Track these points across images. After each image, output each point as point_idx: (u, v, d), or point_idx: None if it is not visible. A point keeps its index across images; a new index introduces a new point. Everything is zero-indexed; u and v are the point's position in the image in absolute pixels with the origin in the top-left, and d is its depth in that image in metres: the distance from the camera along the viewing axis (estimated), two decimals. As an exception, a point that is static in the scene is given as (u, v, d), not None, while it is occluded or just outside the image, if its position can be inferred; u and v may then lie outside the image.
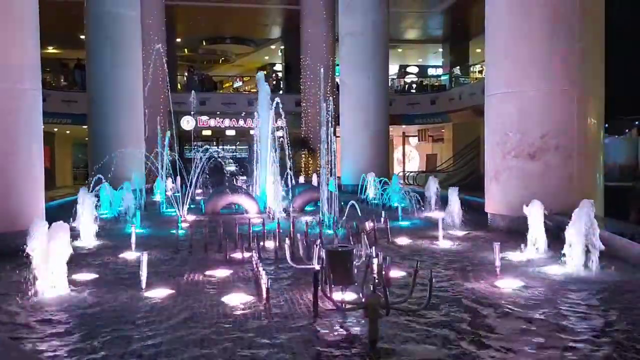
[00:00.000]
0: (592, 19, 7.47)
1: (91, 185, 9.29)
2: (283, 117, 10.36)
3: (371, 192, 12.55)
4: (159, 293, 4.40)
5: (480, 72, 25.17)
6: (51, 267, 4.35)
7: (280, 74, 30.59)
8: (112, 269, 5.42)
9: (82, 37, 15.33)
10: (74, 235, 6.98)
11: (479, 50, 25.72)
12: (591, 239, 5.00)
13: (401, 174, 27.36)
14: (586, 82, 7.42)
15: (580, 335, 3.35)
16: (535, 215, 6.00)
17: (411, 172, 28.01)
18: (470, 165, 23.72)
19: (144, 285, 4.54)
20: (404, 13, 25.20)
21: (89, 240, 6.99)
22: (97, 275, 5.09)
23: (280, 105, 10.04)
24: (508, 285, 4.55)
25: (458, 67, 28.94)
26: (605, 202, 7.82)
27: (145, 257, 4.64)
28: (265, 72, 29.33)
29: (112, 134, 13.58)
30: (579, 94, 7.34)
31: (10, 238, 6.09)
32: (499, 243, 5.01)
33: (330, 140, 8.47)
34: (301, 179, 17.45)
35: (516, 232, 6.68)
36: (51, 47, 27.23)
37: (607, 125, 11.36)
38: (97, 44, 13.82)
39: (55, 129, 24.71)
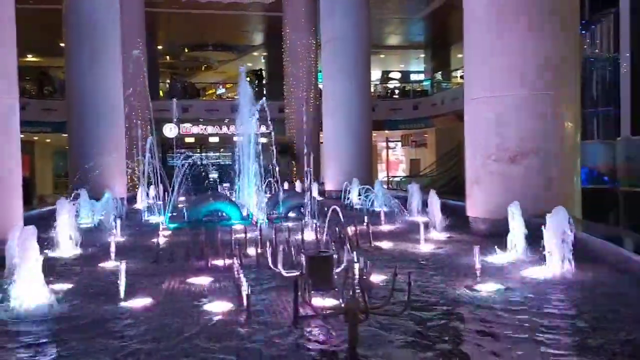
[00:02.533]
0: (567, 26, 7.58)
1: (71, 195, 9.19)
2: (269, 119, 10.29)
3: (354, 198, 12.57)
4: (139, 302, 4.35)
5: (462, 77, 25.39)
6: (24, 274, 4.27)
7: (263, 80, 30.55)
8: (91, 279, 5.35)
9: (62, 44, 15.17)
10: (53, 244, 6.93)
11: (460, 56, 25.93)
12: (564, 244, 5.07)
13: (385, 179, 27.47)
14: (563, 87, 7.53)
15: (555, 335, 3.39)
16: (516, 218, 6.06)
17: (395, 177, 28.13)
18: (453, 169, 23.87)
19: (122, 294, 4.49)
20: (385, 19, 25.38)
21: (68, 249, 6.89)
22: (74, 285, 5.02)
23: (265, 105, 9.97)
24: (488, 288, 4.58)
25: (440, 73, 29.20)
26: (584, 205, 7.92)
27: (124, 267, 4.59)
28: (248, 79, 29.35)
29: (92, 141, 13.41)
30: (556, 98, 7.44)
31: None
32: (479, 246, 5.05)
33: (315, 147, 8.48)
34: (285, 185, 17.43)
35: (497, 236, 6.74)
36: (30, 56, 26.94)
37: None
38: (77, 51, 13.68)
39: (36, 138, 24.42)
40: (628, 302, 4.10)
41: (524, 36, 7.35)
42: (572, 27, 7.75)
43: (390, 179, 26.95)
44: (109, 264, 5.88)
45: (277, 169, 10.66)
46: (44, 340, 3.52)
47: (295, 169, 22.24)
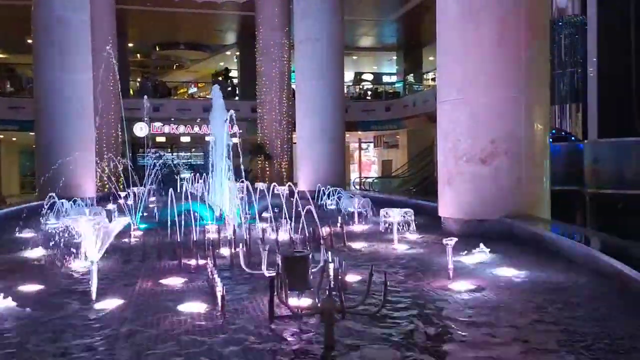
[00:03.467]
0: (537, 28, 7.75)
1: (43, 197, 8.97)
2: (236, 126, 10.20)
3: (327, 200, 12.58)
4: (110, 304, 4.28)
5: (434, 79, 25.73)
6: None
7: (235, 80, 30.39)
8: (61, 280, 5.24)
9: (30, 41, 14.81)
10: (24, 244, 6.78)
11: (432, 58, 26.28)
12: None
13: (357, 179, 27.60)
14: (533, 90, 7.68)
15: (525, 330, 3.46)
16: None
17: (368, 177, 28.29)
18: (424, 170, 24.13)
19: (94, 296, 4.41)
20: (358, 21, 25.53)
21: (36, 250, 6.74)
22: (43, 286, 4.91)
23: (235, 117, 9.91)
24: (460, 287, 4.65)
25: (412, 75, 29.50)
26: (552, 205, 8.10)
27: (95, 267, 4.51)
28: (220, 78, 29.14)
29: (60, 140, 13.14)
30: (527, 100, 7.59)
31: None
32: (452, 246, 5.11)
33: (287, 147, 8.45)
34: (259, 185, 17.33)
35: (468, 235, 6.85)
36: (-4, 52, 26.26)
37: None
38: (45, 48, 13.38)
39: (1, 136, 23.78)
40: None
41: (496, 38, 7.48)
42: (543, 30, 7.92)
43: (363, 180, 27.09)
44: (79, 265, 5.77)
45: (249, 169, 10.60)
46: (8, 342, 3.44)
47: (267, 168, 22.15)
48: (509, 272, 5.18)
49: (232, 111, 9.83)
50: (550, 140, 8.44)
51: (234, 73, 31.54)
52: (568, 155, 13.14)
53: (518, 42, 7.49)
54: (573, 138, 14.29)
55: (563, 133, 14.55)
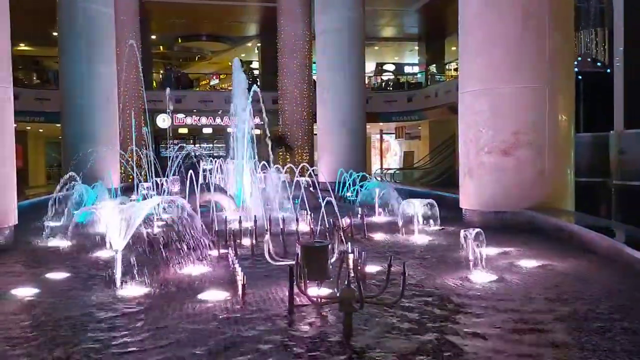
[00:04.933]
0: (562, 18, 7.62)
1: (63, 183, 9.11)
2: (263, 109, 10.23)
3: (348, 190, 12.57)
4: (133, 291, 4.37)
5: (456, 69, 25.41)
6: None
7: (256, 72, 30.47)
8: (86, 268, 5.36)
9: (55, 34, 15.05)
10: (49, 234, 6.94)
11: (454, 48, 25.99)
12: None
13: (379, 171, 27.53)
14: (557, 80, 7.57)
15: (544, 323, 3.44)
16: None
17: (389, 169, 28.19)
18: (446, 161, 23.95)
19: (118, 284, 4.51)
20: (380, 11, 25.33)
21: (62, 239, 6.89)
22: (69, 274, 5.03)
23: (259, 93, 9.93)
24: (481, 278, 4.63)
25: (434, 65, 29.20)
26: (576, 197, 7.99)
27: (119, 256, 4.61)
28: (243, 69, 29.20)
29: (86, 132, 13.39)
30: (551, 91, 7.48)
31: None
32: (472, 237, 5.09)
33: (308, 139, 8.48)
34: (281, 176, 17.39)
35: (490, 227, 6.80)
36: (23, 45, 26.70)
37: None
38: (71, 41, 13.61)
39: (28, 128, 24.25)
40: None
41: (519, 27, 7.37)
42: (568, 19, 7.79)
43: (384, 172, 27.00)
44: (104, 253, 5.89)
45: (271, 160, 10.66)
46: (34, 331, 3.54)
47: (288, 159, 22.21)
48: (530, 264, 5.15)
49: (255, 87, 9.85)
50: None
51: (254, 65, 31.64)
52: (593, 146, 12.91)
53: (542, 32, 7.38)
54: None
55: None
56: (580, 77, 13.33)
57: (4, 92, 6.58)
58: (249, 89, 10.12)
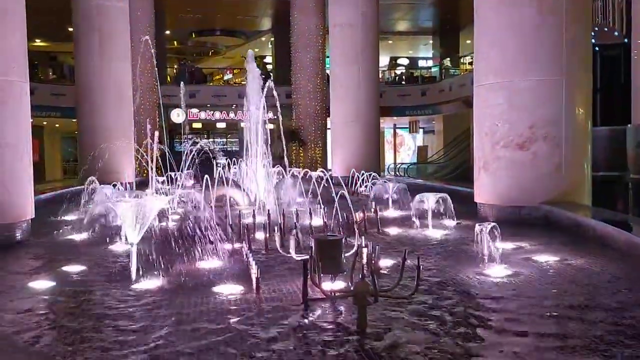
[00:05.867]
0: (579, 10, 7.50)
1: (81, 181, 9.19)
2: (277, 103, 10.22)
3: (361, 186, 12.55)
4: (148, 285, 4.40)
5: (471, 63, 25.21)
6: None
7: (270, 66, 30.46)
8: (101, 261, 5.41)
9: (71, 29, 15.17)
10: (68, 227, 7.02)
11: (469, 42, 25.76)
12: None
13: (392, 165, 27.44)
14: (575, 73, 7.46)
15: (561, 314, 3.40)
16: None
17: (403, 163, 28.08)
18: (460, 156, 23.79)
19: (133, 277, 4.54)
20: (394, 4, 25.14)
21: (77, 233, 6.96)
22: (85, 267, 5.08)
23: (273, 87, 9.92)
24: (496, 272, 4.60)
25: (448, 59, 28.98)
26: (593, 191, 7.89)
27: (134, 249, 4.64)
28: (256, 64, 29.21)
29: (101, 126, 13.51)
30: (568, 84, 7.38)
31: (-1, 231, 6.13)
32: (488, 231, 5.05)
33: (322, 133, 8.46)
34: (294, 171, 17.41)
35: (505, 222, 6.74)
36: (39, 40, 26.94)
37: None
38: (86, 36, 13.71)
39: (45, 122, 24.50)
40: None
41: (536, 20, 7.27)
42: (586, 11, 7.67)
43: (398, 166, 26.90)
44: (119, 247, 5.94)
45: (284, 154, 10.67)
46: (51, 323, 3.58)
47: (302, 154, 22.22)
48: (546, 259, 5.10)
49: (270, 82, 9.85)
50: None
51: (268, 59, 31.62)
52: (610, 140, 12.73)
53: (559, 24, 7.27)
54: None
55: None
56: (597, 48, 12.98)
57: (21, 87, 6.65)
58: (264, 83, 10.12)
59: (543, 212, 7.17)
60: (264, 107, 10.13)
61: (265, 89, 9.86)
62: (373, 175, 12.09)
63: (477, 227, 5.00)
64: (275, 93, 9.91)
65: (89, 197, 8.91)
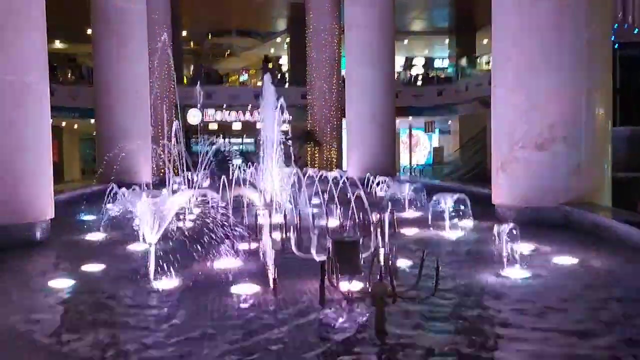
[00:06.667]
0: (599, 10, 7.40)
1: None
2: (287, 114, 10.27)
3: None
4: (167, 284, 4.43)
5: (487, 63, 25.03)
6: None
7: (285, 67, 30.54)
8: (121, 261, 5.46)
9: (89, 31, 15.35)
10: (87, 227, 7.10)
11: (485, 41, 25.57)
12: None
13: (407, 166, 27.33)
14: (594, 73, 7.37)
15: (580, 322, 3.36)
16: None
17: (419, 164, 27.96)
18: (476, 157, 23.64)
19: (152, 276, 4.57)
20: (410, 4, 25.06)
21: (96, 233, 7.03)
22: (104, 266, 5.13)
23: (285, 106, 9.98)
24: (515, 274, 4.55)
25: (464, 59, 28.81)
26: (613, 192, 7.78)
27: (153, 249, 4.67)
28: (270, 65, 29.34)
29: (118, 127, 13.63)
30: (587, 84, 7.29)
31: (19, 230, 6.21)
32: (506, 233, 5.00)
33: (337, 134, 8.45)
34: (309, 172, 17.42)
35: (524, 223, 6.66)
36: (58, 42, 27.31)
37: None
38: (104, 38, 13.85)
39: (63, 123, 24.83)
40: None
41: (555, 19, 7.20)
42: (605, 11, 7.57)
43: (413, 167, 26.80)
44: (137, 247, 5.98)
45: (299, 155, 10.68)
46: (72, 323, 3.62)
47: (317, 155, 22.22)
48: (566, 261, 5.04)
49: (282, 100, 9.89)
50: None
51: (283, 60, 31.71)
52: (630, 140, 12.54)
53: (578, 24, 7.19)
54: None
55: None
56: (616, 45, 12.69)
57: (41, 88, 6.74)
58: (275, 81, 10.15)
59: (562, 213, 7.08)
60: (279, 109, 10.15)
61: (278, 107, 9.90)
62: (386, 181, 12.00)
63: (496, 228, 4.95)
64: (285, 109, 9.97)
65: (110, 198, 8.99)
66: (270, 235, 6.38)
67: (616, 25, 13.77)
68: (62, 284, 4.47)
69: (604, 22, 7.54)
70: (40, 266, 5.32)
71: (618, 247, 5.53)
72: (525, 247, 5.62)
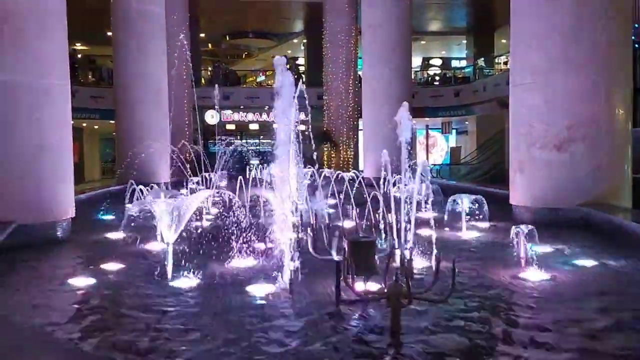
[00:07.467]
0: (618, 9, 7.31)
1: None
2: (307, 104, 10.25)
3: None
4: (184, 283, 4.48)
5: (505, 63, 24.79)
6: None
7: (302, 68, 30.59)
8: (139, 260, 5.53)
9: (109, 33, 15.55)
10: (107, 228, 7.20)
11: (504, 41, 25.34)
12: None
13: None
14: (613, 73, 7.28)
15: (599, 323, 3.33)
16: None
17: (435, 165, 27.80)
18: (494, 157, 23.42)
19: (169, 275, 4.63)
20: (426, 4, 24.93)
21: (116, 232, 7.12)
22: (123, 265, 5.20)
23: (305, 91, 9.92)
24: (533, 276, 4.52)
25: (482, 59, 28.57)
26: (634, 193, 7.67)
27: (170, 249, 4.73)
28: (288, 66, 29.42)
29: (138, 128, 13.79)
30: (607, 84, 7.21)
31: (41, 229, 6.32)
32: (524, 234, 4.97)
33: (354, 134, 8.44)
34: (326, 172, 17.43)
35: (542, 224, 6.61)
36: (79, 44, 27.69)
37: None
38: (124, 40, 14.02)
39: (84, 124, 25.17)
40: None
41: (574, 19, 7.13)
42: (625, 10, 7.47)
43: (430, 167, 26.64)
44: (155, 246, 6.05)
45: (316, 156, 10.69)
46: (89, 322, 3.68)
47: (333, 155, 22.22)
48: (585, 263, 4.99)
49: (301, 84, 9.86)
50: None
51: (300, 61, 31.75)
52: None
53: (598, 22, 7.11)
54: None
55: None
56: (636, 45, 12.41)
57: (62, 89, 6.85)
58: (295, 86, 10.14)
59: (581, 214, 7.01)
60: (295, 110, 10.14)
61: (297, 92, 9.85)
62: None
63: (514, 229, 4.92)
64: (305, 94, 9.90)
65: (130, 197, 9.10)
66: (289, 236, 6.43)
67: (636, 25, 13.56)
68: (82, 282, 4.54)
69: (624, 20, 7.45)
70: (61, 264, 5.42)
71: (636, 248, 5.45)
72: (543, 249, 5.59)
